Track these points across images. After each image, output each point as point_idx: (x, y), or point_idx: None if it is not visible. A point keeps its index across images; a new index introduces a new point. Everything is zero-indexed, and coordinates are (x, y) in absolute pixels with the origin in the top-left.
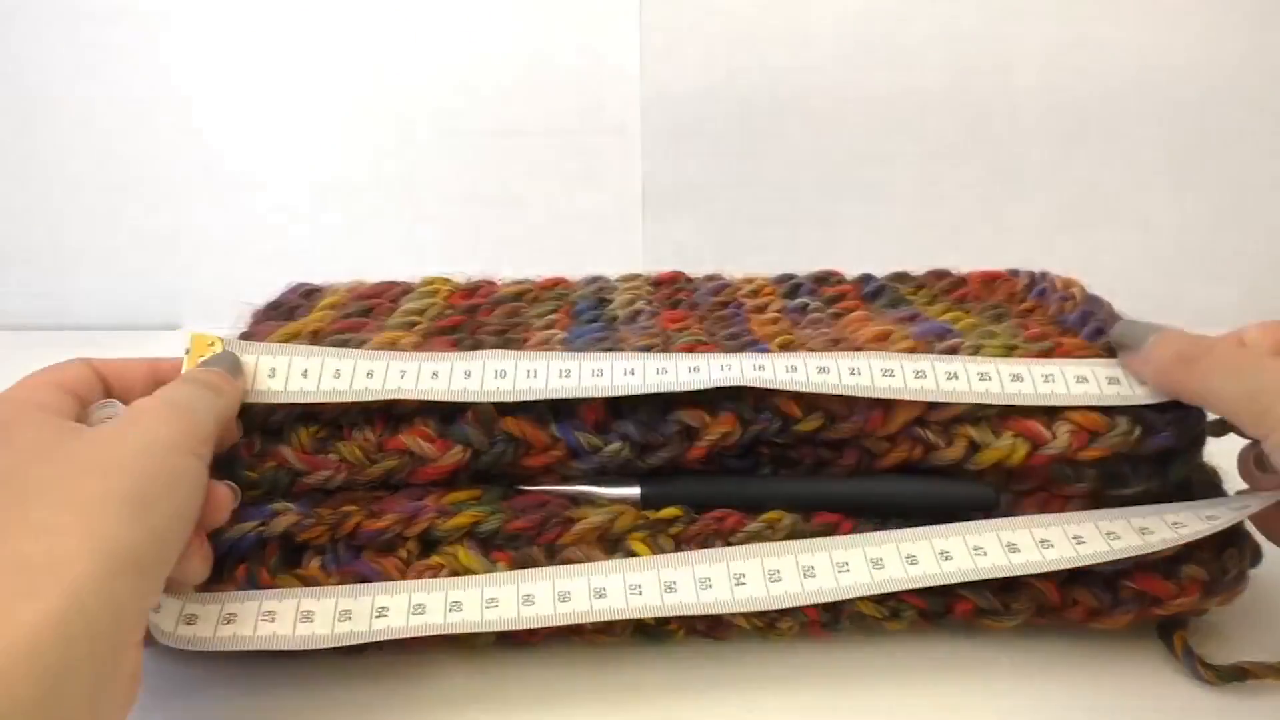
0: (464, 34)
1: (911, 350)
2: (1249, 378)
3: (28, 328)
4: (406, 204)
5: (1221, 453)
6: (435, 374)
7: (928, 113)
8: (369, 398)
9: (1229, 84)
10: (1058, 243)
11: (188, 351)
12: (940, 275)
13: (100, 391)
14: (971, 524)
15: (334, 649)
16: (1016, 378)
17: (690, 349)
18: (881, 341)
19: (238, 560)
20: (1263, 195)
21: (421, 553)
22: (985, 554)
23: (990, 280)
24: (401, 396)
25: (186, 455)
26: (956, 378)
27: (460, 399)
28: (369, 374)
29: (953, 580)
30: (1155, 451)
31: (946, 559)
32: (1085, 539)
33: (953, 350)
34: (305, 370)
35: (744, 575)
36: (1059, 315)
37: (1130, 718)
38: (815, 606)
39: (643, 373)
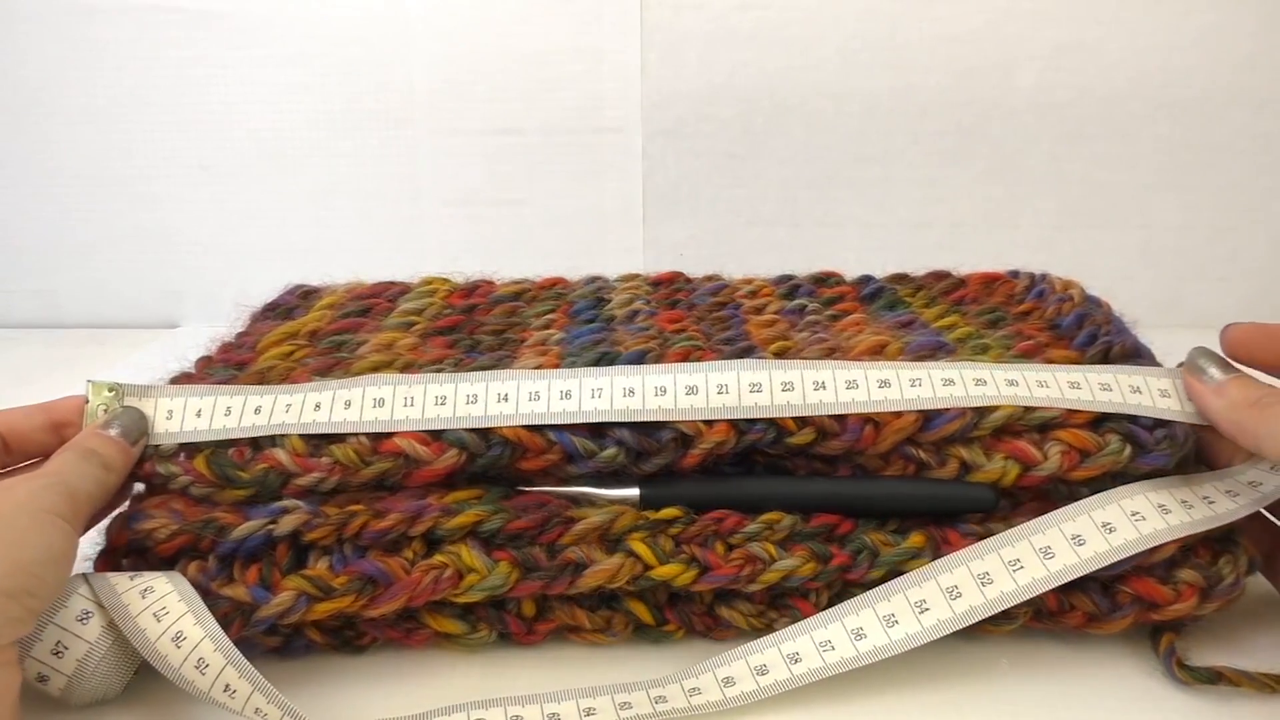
0: (464, 34)
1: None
2: None
3: (27, 325)
4: (406, 204)
5: None
6: (318, 405)
7: (928, 113)
8: (256, 433)
9: (1229, 85)
10: (1058, 243)
11: (88, 401)
12: (940, 276)
13: None
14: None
15: (333, 651)
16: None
17: (684, 354)
18: (877, 354)
19: (250, 561)
20: (1263, 196)
21: (426, 553)
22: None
23: (990, 281)
24: (285, 431)
25: (59, 519)
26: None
27: (340, 430)
28: (256, 410)
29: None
30: (1147, 471)
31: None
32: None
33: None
34: (199, 410)
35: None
36: (1055, 318)
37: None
38: (813, 606)
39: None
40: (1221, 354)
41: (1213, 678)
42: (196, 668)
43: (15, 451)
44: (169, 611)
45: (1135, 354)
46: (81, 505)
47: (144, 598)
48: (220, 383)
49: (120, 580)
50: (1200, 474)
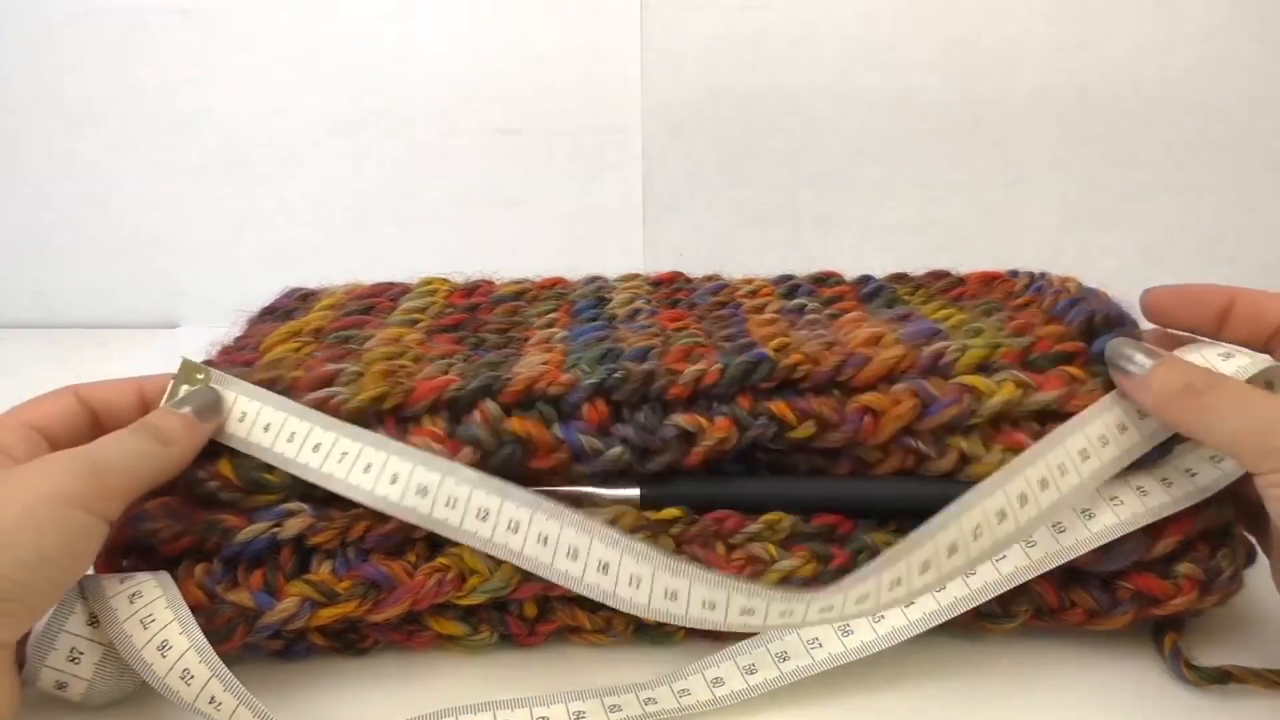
0: (464, 33)
1: (900, 358)
2: (1259, 414)
3: (26, 326)
4: (406, 204)
5: None
6: (368, 467)
7: (928, 113)
8: (305, 475)
9: (1229, 84)
10: (1058, 243)
11: (175, 378)
12: (939, 276)
13: (86, 425)
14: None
15: (336, 654)
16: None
17: (686, 351)
18: (873, 345)
19: (254, 565)
20: (1264, 197)
21: (429, 555)
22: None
23: (989, 281)
24: (330, 485)
25: (75, 510)
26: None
27: (379, 506)
28: (315, 447)
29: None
30: None
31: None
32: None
33: (939, 355)
34: (268, 424)
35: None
36: (1052, 308)
37: (1130, 718)
38: None
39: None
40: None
41: (1221, 677)
42: (181, 678)
43: (106, 426)
44: (155, 619)
45: (1120, 323)
46: (112, 482)
47: (132, 603)
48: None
49: (110, 583)
50: (1178, 449)
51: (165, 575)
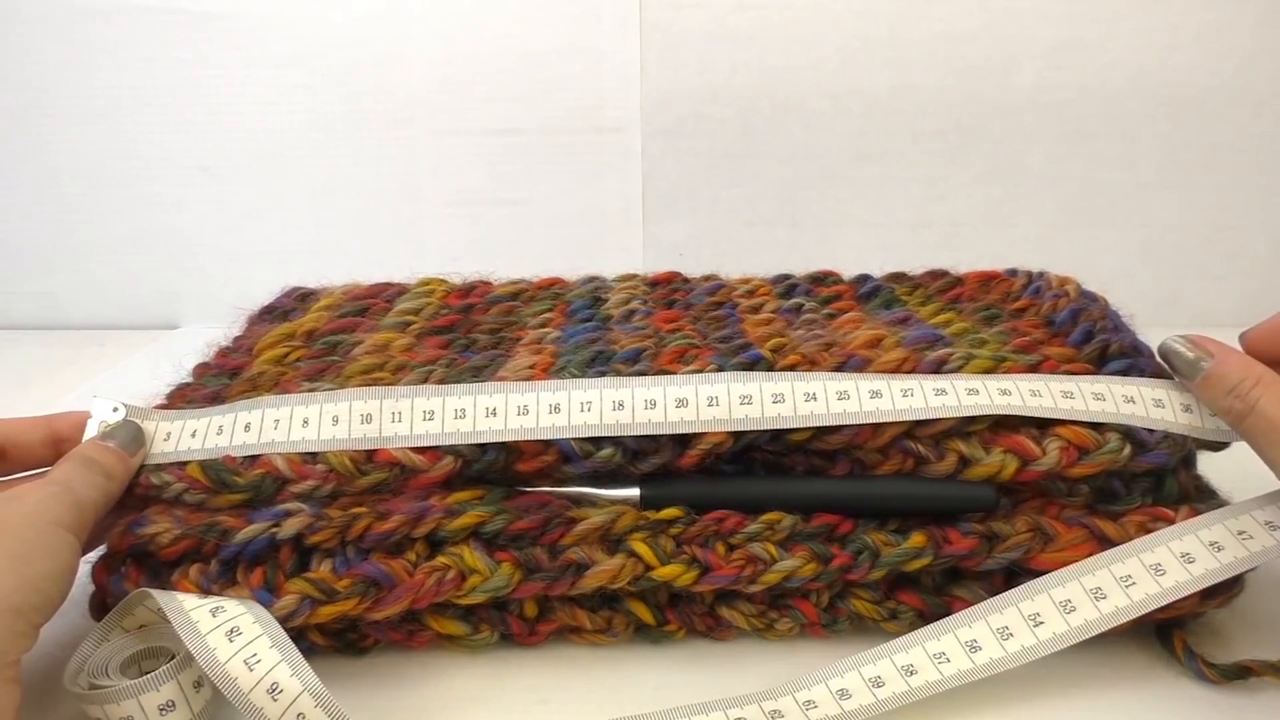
0: (464, 34)
1: (902, 360)
2: None
3: (27, 327)
4: (406, 204)
5: (1216, 470)
6: (306, 421)
7: (928, 112)
8: (247, 451)
9: (1229, 84)
10: (1058, 243)
11: (91, 416)
12: (937, 275)
13: None
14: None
15: (336, 653)
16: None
17: (680, 353)
18: (873, 347)
19: (253, 564)
20: (1263, 195)
21: (429, 555)
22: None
23: (987, 280)
24: (275, 450)
25: (65, 532)
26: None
27: (328, 447)
28: (246, 428)
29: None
30: (1147, 469)
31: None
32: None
33: (942, 361)
34: (194, 431)
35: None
36: (1051, 313)
37: (1129, 717)
38: (814, 607)
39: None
40: (1184, 341)
41: (1241, 673)
42: (269, 693)
43: (12, 462)
44: (242, 633)
45: (1135, 352)
46: (87, 514)
47: (215, 616)
48: (213, 392)
49: (188, 599)
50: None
51: (249, 600)
